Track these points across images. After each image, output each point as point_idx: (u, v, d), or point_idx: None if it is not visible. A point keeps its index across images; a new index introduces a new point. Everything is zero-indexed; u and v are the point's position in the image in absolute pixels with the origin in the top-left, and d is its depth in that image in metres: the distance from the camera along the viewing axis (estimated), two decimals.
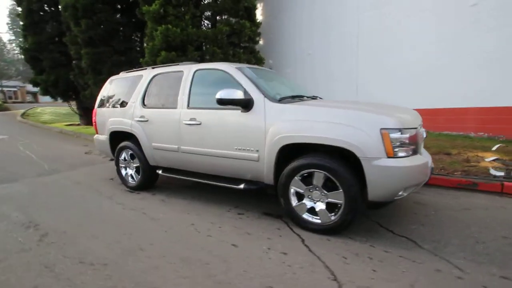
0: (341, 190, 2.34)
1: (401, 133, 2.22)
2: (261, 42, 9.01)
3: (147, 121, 3.61)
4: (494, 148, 4.81)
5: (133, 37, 10.56)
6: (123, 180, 4.10)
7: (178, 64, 3.67)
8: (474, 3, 5.44)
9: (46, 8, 11.86)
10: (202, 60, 7.50)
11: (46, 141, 9.15)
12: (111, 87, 4.33)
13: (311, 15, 8.73)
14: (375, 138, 2.20)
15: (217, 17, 7.95)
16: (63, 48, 11.30)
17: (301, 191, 2.57)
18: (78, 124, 13.11)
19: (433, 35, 6.08)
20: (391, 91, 6.77)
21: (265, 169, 2.74)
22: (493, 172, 3.97)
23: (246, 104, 2.75)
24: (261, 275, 1.97)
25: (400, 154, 2.22)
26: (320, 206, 2.50)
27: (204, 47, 8.07)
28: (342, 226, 2.42)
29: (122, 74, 4.30)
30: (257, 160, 2.76)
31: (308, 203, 2.56)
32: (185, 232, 2.66)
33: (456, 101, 5.81)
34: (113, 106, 4.15)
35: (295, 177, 2.56)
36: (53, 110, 19.11)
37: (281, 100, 2.81)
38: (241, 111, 2.82)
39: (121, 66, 9.50)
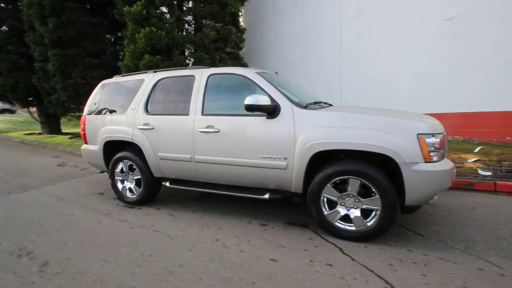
0: (378, 196, 2.34)
1: (435, 138, 2.28)
2: (244, 48, 8.96)
3: (152, 129, 3.32)
4: (476, 150, 5.26)
5: (107, 39, 9.87)
6: (120, 194, 3.72)
7: (186, 68, 3.46)
8: (449, 18, 5.98)
9: (3, 5, 10.63)
10: (187, 65, 7.23)
11: (6, 152, 8.10)
12: (104, 92, 3.93)
13: (293, 23, 8.91)
14: (413, 144, 2.23)
15: (203, 21, 7.75)
16: (23, 49, 10.19)
17: (334, 198, 2.52)
18: (40, 133, 11.85)
19: (412, 45, 6.54)
20: (375, 98, 7.12)
21: (294, 177, 2.64)
22: (481, 172, 4.31)
23: (273, 111, 2.65)
24: None
25: (435, 158, 2.28)
26: (355, 213, 2.47)
27: (187, 51, 7.81)
28: (379, 233, 2.41)
29: (117, 78, 3.94)
30: (285, 168, 2.66)
31: (341, 210, 2.51)
32: (213, 249, 2.45)
33: (435, 107, 6.28)
34: (108, 113, 3.76)
35: (328, 185, 2.50)
36: (7, 118, 17.06)
37: (307, 107, 2.76)
38: (266, 118, 2.71)
39: (94, 69, 8.83)
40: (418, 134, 2.24)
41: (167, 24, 6.89)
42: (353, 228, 2.48)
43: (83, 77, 8.46)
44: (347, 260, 2.21)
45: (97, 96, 3.94)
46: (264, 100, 2.58)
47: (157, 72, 3.58)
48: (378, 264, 2.14)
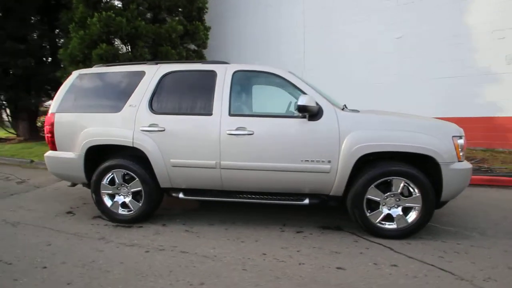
0: (419, 194, 2.50)
1: (462, 140, 2.59)
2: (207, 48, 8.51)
3: (162, 131, 2.78)
4: None
5: (37, 20, 7.92)
6: (108, 212, 3.00)
7: (201, 62, 3.03)
8: (399, 36, 6.97)
9: None
10: (154, 59, 6.43)
11: None
12: (82, 84, 3.11)
13: (255, 25, 8.92)
14: (449, 145, 2.48)
15: (164, 14, 7.01)
16: None
17: (377, 199, 2.58)
18: None
19: (368, 58, 7.36)
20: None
21: (336, 180, 2.61)
22: None
23: (317, 112, 2.56)
24: None
25: (463, 158, 2.59)
26: (397, 211, 2.58)
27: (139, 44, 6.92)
28: (418, 228, 2.58)
29: (100, 68, 3.17)
30: (328, 171, 2.59)
31: (384, 210, 2.60)
32: (269, 266, 2.19)
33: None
34: (91, 111, 2.99)
35: (372, 186, 2.56)
36: None
37: (343, 109, 2.77)
38: (308, 119, 2.60)
39: (18, 57, 6.98)
40: (452, 136, 2.50)
41: (127, 12, 5.97)
42: (394, 226, 2.59)
43: (4, 65, 6.57)
44: (404, 258, 2.29)
45: (72, 89, 3.09)
46: (312, 102, 2.47)
47: (161, 64, 3.03)
48: (432, 258, 2.28)
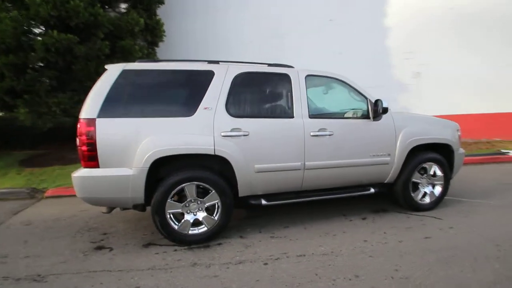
0: (442, 174, 3.34)
1: (460, 132, 3.60)
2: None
3: (246, 135, 2.60)
4: None
5: None
6: (175, 234, 2.53)
7: (267, 64, 2.95)
8: (340, 52, 8.39)
9: None
10: (113, 55, 5.40)
11: None
12: (131, 82, 2.46)
13: (205, 26, 8.73)
14: (456, 136, 3.44)
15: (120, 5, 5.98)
16: None
17: (419, 181, 3.28)
18: None
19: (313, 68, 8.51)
20: None
21: (393, 170, 3.15)
22: None
23: (380, 113, 3.03)
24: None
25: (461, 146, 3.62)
26: (430, 189, 3.35)
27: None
28: (442, 199, 3.41)
29: (152, 65, 2.60)
30: (388, 163, 3.11)
31: (423, 190, 3.32)
32: (383, 248, 2.48)
33: None
34: (153, 115, 2.43)
35: (415, 171, 3.24)
36: None
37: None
38: (372, 120, 3.04)
39: None
40: (456, 129, 3.48)
41: None
42: (428, 200, 3.36)
43: None
44: (446, 221, 3.02)
45: (118, 89, 2.40)
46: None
47: (229, 64, 2.79)
48: (455, 216, 3.13)
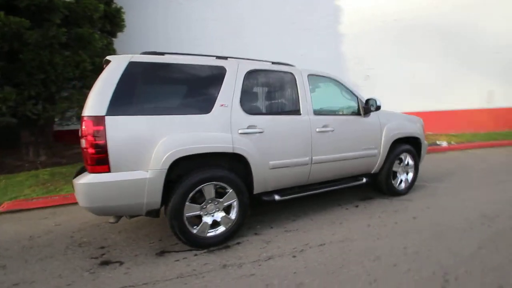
0: (413, 162, 3.89)
1: (423, 126, 4.22)
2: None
3: (261, 132, 2.60)
4: None
5: None
6: (194, 239, 2.40)
7: (271, 62, 2.96)
8: (301, 54, 8.85)
9: None
10: (67, 42, 4.70)
11: None
12: (140, 76, 2.19)
13: (167, 18, 8.25)
14: (422, 130, 4.02)
15: None
16: None
17: (396, 169, 3.75)
18: None
19: None
20: None
21: (378, 161, 3.54)
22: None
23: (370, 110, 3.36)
24: None
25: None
26: (405, 176, 3.86)
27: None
28: (413, 184, 3.96)
29: (161, 58, 2.34)
30: (375, 155, 3.48)
31: (401, 177, 3.80)
32: (387, 230, 2.78)
33: None
34: (167, 112, 2.23)
35: (395, 161, 3.69)
36: None
37: None
38: (363, 116, 3.35)
39: None
40: (422, 124, 4.07)
41: None
42: (403, 186, 3.86)
43: None
44: (418, 202, 3.55)
45: (126, 83, 2.12)
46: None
47: (238, 60, 2.73)
48: (425, 198, 3.70)
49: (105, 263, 2.28)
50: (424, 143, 4.08)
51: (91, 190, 2.03)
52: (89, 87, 5.40)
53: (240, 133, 2.51)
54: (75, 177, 2.39)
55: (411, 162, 3.86)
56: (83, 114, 2.05)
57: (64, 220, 3.23)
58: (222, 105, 2.47)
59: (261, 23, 8.71)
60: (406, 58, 8.96)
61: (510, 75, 9.50)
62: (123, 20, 6.04)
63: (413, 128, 3.85)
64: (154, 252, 2.43)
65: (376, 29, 8.93)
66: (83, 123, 2.02)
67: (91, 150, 2.00)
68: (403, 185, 3.84)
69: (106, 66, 2.53)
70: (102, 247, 2.55)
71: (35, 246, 2.61)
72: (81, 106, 5.43)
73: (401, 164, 3.80)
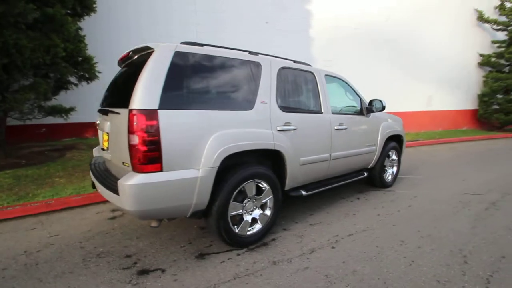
0: (396, 158, 4.41)
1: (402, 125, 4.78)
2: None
3: (295, 129, 2.66)
4: None
5: None
6: (236, 238, 2.35)
7: (294, 61, 3.02)
8: (274, 53, 9.03)
9: None
10: (35, 23, 3.99)
11: None
12: (188, 67, 2.01)
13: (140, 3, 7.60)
14: (403, 128, 4.57)
15: None
16: None
17: (386, 164, 4.20)
18: None
19: None
20: None
21: (375, 157, 3.92)
22: None
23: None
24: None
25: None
26: (392, 170, 4.34)
27: None
28: (396, 177, 4.48)
29: (204, 49, 2.18)
30: (374, 151, 3.84)
31: (389, 170, 4.27)
32: (396, 217, 3.12)
33: None
34: (216, 107, 2.11)
35: (386, 156, 4.13)
36: None
37: None
38: (366, 115, 3.67)
39: None
40: (402, 123, 4.62)
41: None
42: (390, 179, 4.34)
43: None
44: (411, 193, 4.07)
45: (175, 74, 1.93)
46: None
47: (270, 57, 2.72)
48: (409, 188, 4.25)
49: (144, 272, 2.07)
50: (404, 140, 4.64)
51: (142, 191, 1.82)
52: (62, 75, 4.70)
53: (278, 130, 2.53)
54: (93, 187, 2.14)
55: (395, 157, 4.36)
56: (131, 107, 1.82)
57: (59, 229, 2.77)
58: (262, 101, 2.45)
59: (237, 19, 8.65)
60: (366, 64, 9.92)
61: (445, 82, 11.32)
62: (94, 2, 5.34)
63: (399, 127, 4.35)
64: (193, 256, 2.30)
65: (342, 36, 9.67)
66: (134, 117, 1.79)
67: (143, 148, 1.79)
68: (390, 178, 4.32)
69: (136, 56, 2.30)
70: (128, 256, 2.29)
71: (40, 262, 2.21)
72: (47, 98, 4.69)
73: (389, 159, 4.27)
